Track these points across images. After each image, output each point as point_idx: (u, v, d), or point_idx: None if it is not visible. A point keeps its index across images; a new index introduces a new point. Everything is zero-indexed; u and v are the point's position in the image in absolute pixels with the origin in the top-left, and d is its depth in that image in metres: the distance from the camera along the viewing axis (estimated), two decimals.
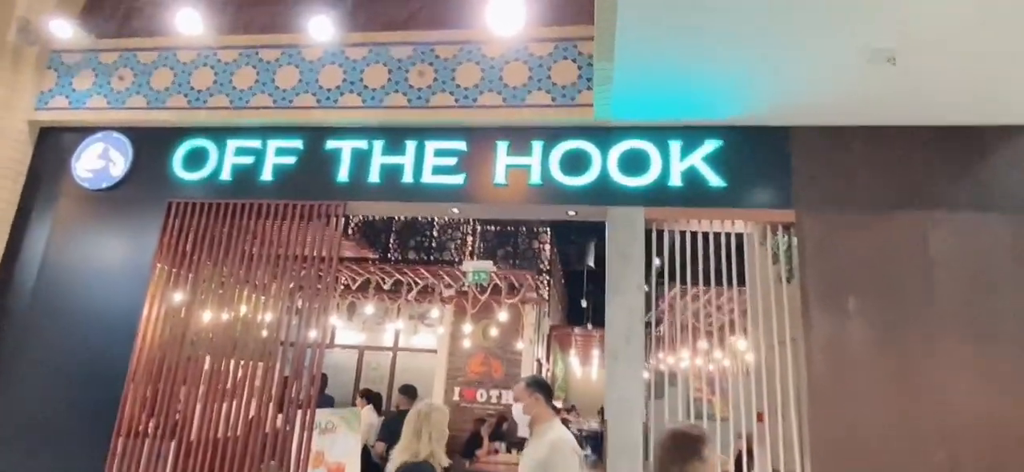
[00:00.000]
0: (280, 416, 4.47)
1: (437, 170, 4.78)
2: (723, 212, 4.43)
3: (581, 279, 14.14)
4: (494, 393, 10.24)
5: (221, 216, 4.94)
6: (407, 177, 4.80)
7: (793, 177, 4.37)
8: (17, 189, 5.24)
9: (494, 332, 8.98)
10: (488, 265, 6.04)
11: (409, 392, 6.32)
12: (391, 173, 4.83)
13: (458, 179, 4.73)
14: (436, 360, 10.35)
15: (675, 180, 4.46)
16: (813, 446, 3.85)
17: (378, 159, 4.86)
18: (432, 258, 9.30)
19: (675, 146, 4.52)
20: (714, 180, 4.43)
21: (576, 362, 18.96)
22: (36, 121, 5.36)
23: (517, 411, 2.82)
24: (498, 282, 7.08)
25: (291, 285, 4.76)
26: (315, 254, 4.74)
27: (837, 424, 3.86)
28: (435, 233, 14.56)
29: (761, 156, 4.45)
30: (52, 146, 5.40)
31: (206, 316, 4.83)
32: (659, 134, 4.55)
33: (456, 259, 9.60)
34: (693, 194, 4.42)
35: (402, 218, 13.99)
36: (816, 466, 3.81)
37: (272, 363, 4.62)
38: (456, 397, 10.20)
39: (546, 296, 7.02)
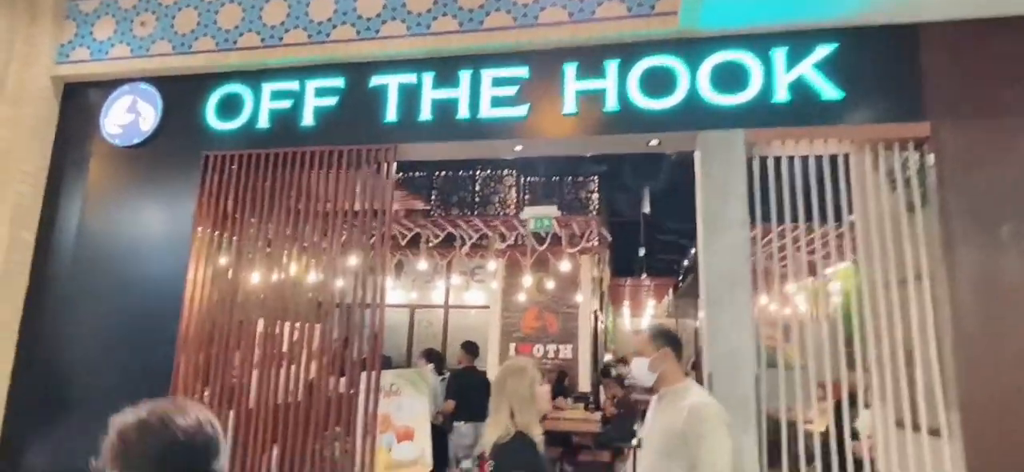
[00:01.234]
0: (341, 380, 4.24)
1: (496, 102, 4.32)
2: (839, 130, 3.86)
3: (626, 229, 13.59)
4: (550, 348, 9.99)
5: (261, 168, 4.64)
6: (462, 112, 4.36)
7: (925, 82, 3.75)
8: (47, 151, 5.05)
9: (550, 285, 8.63)
10: (551, 211, 5.60)
11: (471, 349, 6.07)
12: (444, 109, 4.41)
13: (520, 110, 4.27)
14: (489, 316, 10.12)
15: (780, 95, 3.89)
16: (963, 401, 3.35)
17: (429, 94, 4.43)
18: (476, 212, 8.97)
19: (779, 54, 3.93)
20: (828, 91, 3.84)
21: (626, 314, 18.60)
22: (59, 76, 5.12)
23: (639, 369, 2.32)
24: (557, 231, 6.66)
25: (342, 239, 4.45)
26: (367, 207, 4.39)
27: (990, 375, 3.34)
28: (478, 188, 14.20)
29: (885, 60, 3.82)
30: (78, 103, 5.17)
31: (255, 277, 4.59)
32: (759, 42, 3.97)
33: (501, 213, 9.23)
34: (803, 109, 3.85)
35: (442, 174, 13.66)
36: (968, 424, 3.32)
37: (328, 325, 4.37)
38: (512, 353, 9.99)
39: (610, 241, 6.56)
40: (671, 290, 16.86)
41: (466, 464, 5.40)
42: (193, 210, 4.68)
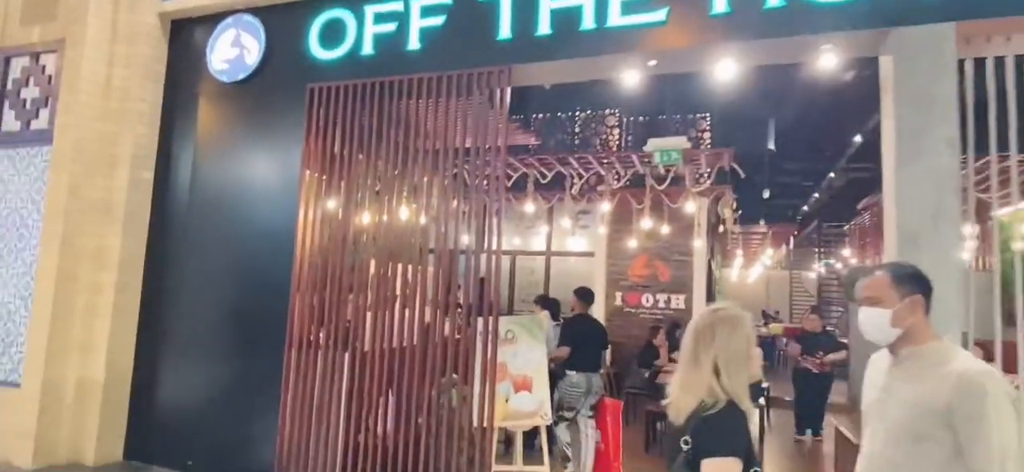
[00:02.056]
0: (457, 326, 4.01)
1: (627, 7, 3.77)
2: None
3: (743, 170, 12.47)
4: (661, 297, 9.44)
5: (367, 99, 4.41)
6: (587, 22, 3.86)
7: None
8: (159, 90, 5.11)
9: (665, 230, 8.03)
10: (680, 142, 4.99)
11: (585, 296, 5.71)
12: (565, 20, 3.92)
13: (658, 15, 3.70)
14: (593, 264, 9.70)
15: None
16: None
17: (547, 2, 3.95)
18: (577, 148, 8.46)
19: None
20: None
21: (736, 265, 17.50)
22: (165, 13, 5.12)
23: (872, 323, 1.74)
24: (679, 170, 6.03)
25: (454, 173, 4.16)
26: (478, 145, 4.04)
27: None
28: (577, 129, 13.54)
29: None
30: (185, 40, 5.17)
31: (365, 218, 4.43)
32: None
33: (620, 146, 8.62)
34: None
35: (538, 116, 13.12)
36: None
37: (439, 268, 4.14)
38: (618, 303, 9.56)
39: (739, 176, 5.85)
40: (791, 238, 15.58)
41: (568, 415, 5.09)
42: (301, 148, 4.56)
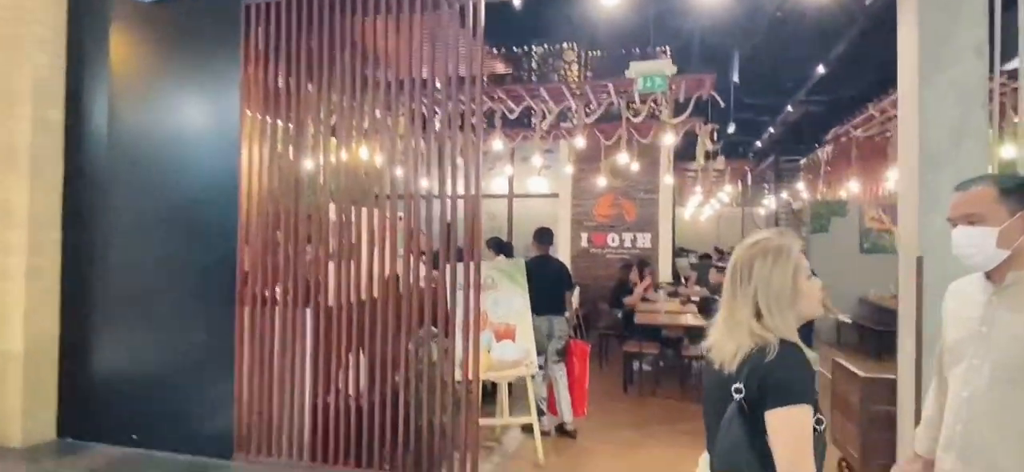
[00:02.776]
0: (433, 272, 3.65)
1: None
2: None
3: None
4: (627, 237, 9.31)
5: (314, 18, 3.85)
6: None
7: None
8: (61, 11, 4.35)
9: (634, 168, 7.80)
10: (665, 67, 4.65)
11: (544, 237, 5.41)
12: None
13: None
14: (558, 205, 9.43)
15: None
16: None
17: None
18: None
19: None
20: None
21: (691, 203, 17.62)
22: None
23: (971, 243, 1.52)
24: (650, 107, 5.71)
25: (418, 107, 3.72)
26: (449, 75, 3.59)
27: None
28: (533, 65, 13.02)
29: None
30: None
31: (320, 159, 3.94)
32: None
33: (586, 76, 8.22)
34: None
35: (492, 50, 12.51)
36: None
37: (411, 214, 3.74)
38: (584, 244, 9.37)
39: (719, 106, 5.60)
40: (747, 173, 15.74)
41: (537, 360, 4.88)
42: (238, 77, 3.99)
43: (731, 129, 10.40)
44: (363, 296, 3.80)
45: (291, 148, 3.95)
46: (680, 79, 5.39)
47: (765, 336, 1.41)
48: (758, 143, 16.90)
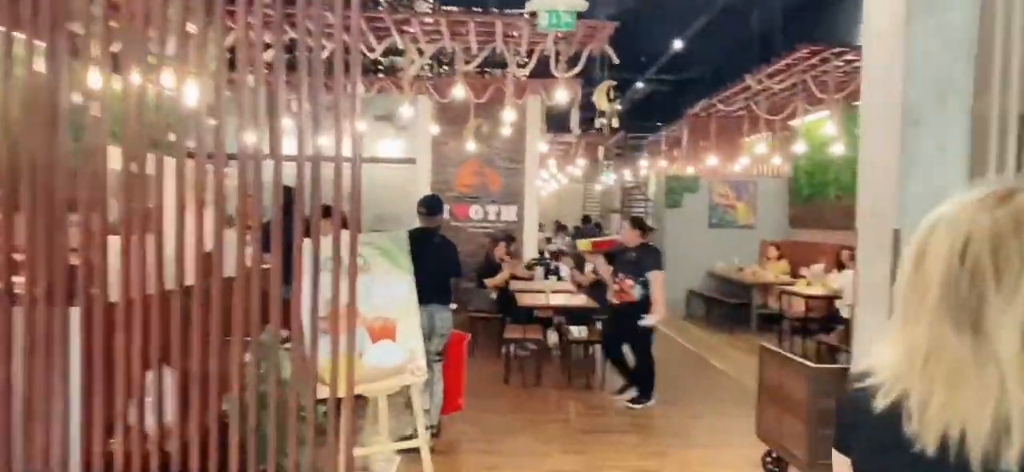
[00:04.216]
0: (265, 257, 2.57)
1: None
2: None
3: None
4: (491, 209, 8.63)
5: None
6: None
7: None
8: None
9: (507, 132, 7.08)
10: (577, 2, 3.89)
11: (431, 206, 4.56)
12: None
13: None
14: (417, 172, 8.41)
15: None
16: None
17: None
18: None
19: None
20: None
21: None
22: None
23: None
24: (553, 44, 4.97)
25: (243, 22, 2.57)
26: None
27: None
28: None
29: None
30: None
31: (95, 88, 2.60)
32: None
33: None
34: None
35: None
36: None
37: (243, 172, 2.63)
38: (445, 216, 8.49)
39: (613, 62, 5.03)
40: (600, 149, 15.94)
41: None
42: None
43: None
44: (170, 286, 2.58)
45: (45, 67, 2.55)
46: (583, 21, 4.71)
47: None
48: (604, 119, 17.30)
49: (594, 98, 5.34)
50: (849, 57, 5.81)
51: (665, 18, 10.61)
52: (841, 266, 7.35)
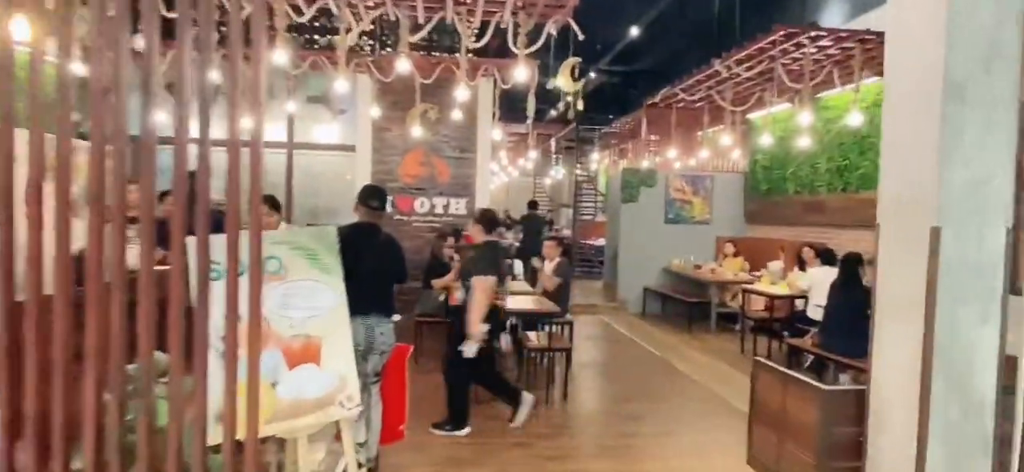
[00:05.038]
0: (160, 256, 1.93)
1: None
2: None
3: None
4: (439, 202, 8.02)
5: None
6: None
7: None
8: None
9: (457, 116, 6.49)
10: None
11: (373, 197, 3.88)
12: None
13: None
14: (356, 160, 7.69)
15: None
16: None
17: None
18: None
19: None
20: None
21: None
22: None
23: None
24: (512, 14, 4.43)
25: None
26: None
27: None
28: None
29: None
30: None
31: None
32: None
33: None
34: None
35: None
36: None
37: (116, 150, 1.98)
38: (388, 208, 7.82)
39: (578, 38, 4.52)
40: (553, 140, 15.55)
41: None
42: None
43: (551, 85, 9.69)
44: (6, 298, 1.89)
45: None
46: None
47: None
48: (554, 111, 16.89)
49: (558, 78, 4.83)
50: (824, 42, 5.52)
51: (621, 6, 10.25)
52: (802, 264, 7.13)
